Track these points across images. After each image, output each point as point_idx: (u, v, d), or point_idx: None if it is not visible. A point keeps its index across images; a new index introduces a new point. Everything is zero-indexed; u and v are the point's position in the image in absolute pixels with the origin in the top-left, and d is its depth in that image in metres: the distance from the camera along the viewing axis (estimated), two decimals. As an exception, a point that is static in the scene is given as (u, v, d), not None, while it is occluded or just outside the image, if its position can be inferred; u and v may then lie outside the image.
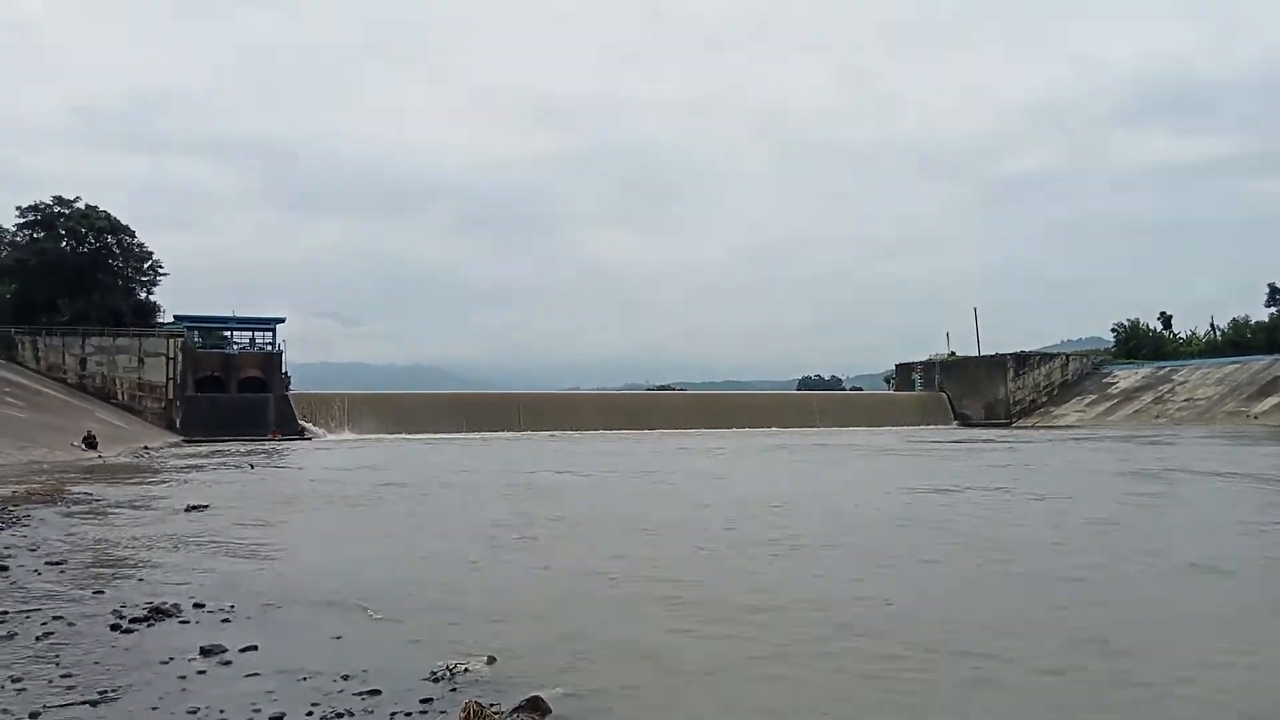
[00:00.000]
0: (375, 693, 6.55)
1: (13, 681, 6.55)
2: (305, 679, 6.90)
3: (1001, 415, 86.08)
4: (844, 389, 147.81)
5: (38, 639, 7.90)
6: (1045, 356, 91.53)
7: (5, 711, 5.95)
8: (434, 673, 7.03)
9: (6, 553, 12.44)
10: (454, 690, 6.66)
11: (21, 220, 67.51)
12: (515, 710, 6.08)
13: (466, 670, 7.12)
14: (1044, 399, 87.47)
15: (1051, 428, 75.63)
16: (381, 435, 65.54)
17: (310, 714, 6.03)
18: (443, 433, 66.58)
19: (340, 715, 6.05)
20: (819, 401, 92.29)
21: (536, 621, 8.91)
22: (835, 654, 7.73)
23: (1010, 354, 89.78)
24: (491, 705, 5.99)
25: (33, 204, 67.38)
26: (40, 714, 5.90)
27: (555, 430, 70.53)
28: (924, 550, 12.96)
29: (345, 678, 6.94)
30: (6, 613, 8.78)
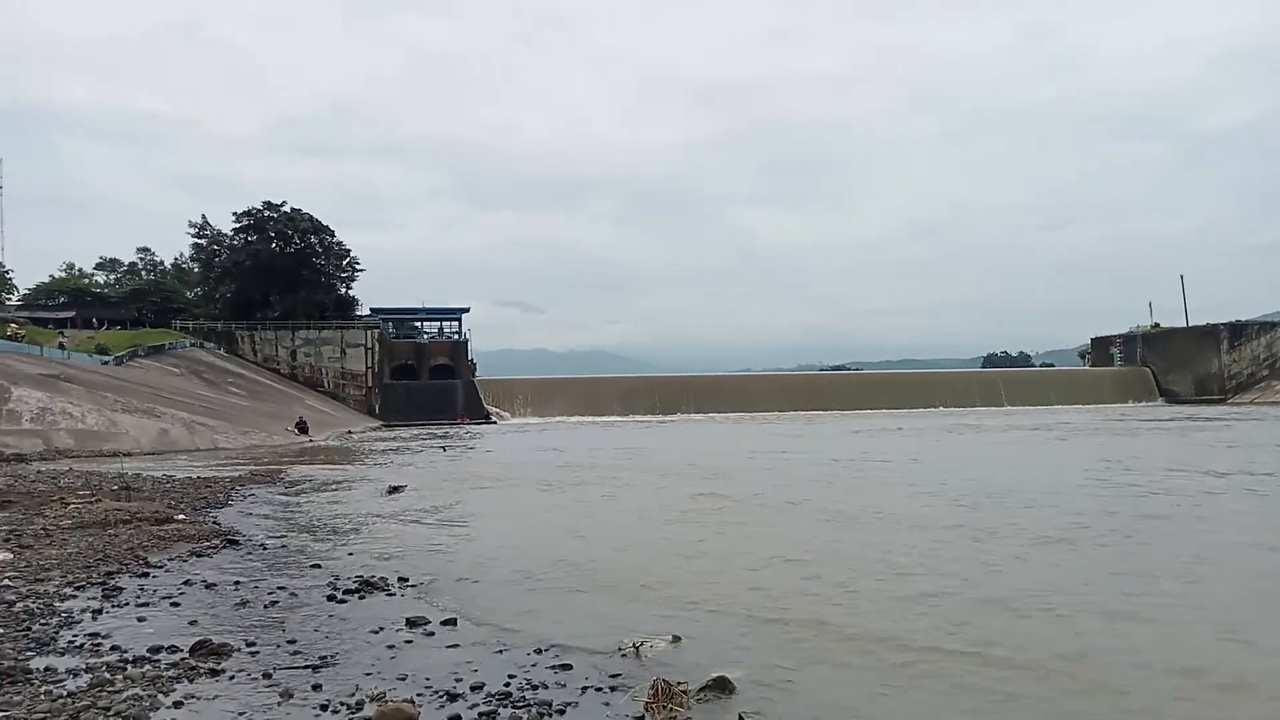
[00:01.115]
0: (567, 667, 6.78)
1: (247, 645, 7.22)
2: (501, 651, 7.24)
3: (1214, 390, 78.89)
4: (1033, 365, 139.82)
5: (265, 607, 8.67)
6: (1265, 325, 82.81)
7: (242, 670, 6.57)
8: (621, 649, 7.20)
9: (236, 528, 13.74)
10: (642, 667, 6.80)
11: (237, 225, 73.95)
12: (702, 689, 6.13)
13: (652, 647, 7.25)
14: (1264, 372, 79.39)
15: (1276, 404, 68.71)
16: (562, 418, 67.71)
17: (507, 685, 6.31)
18: (620, 416, 68.04)
19: (535, 687, 6.30)
20: (1006, 379, 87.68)
21: (722, 603, 8.94)
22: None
23: (1224, 324, 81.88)
24: (679, 683, 6.07)
25: (246, 210, 73.63)
26: (271, 674, 6.47)
27: (729, 413, 70.59)
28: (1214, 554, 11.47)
29: (538, 651, 7.22)
30: (239, 582, 9.69)
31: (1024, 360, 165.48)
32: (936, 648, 7.28)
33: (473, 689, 6.20)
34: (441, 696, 6.06)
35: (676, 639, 7.52)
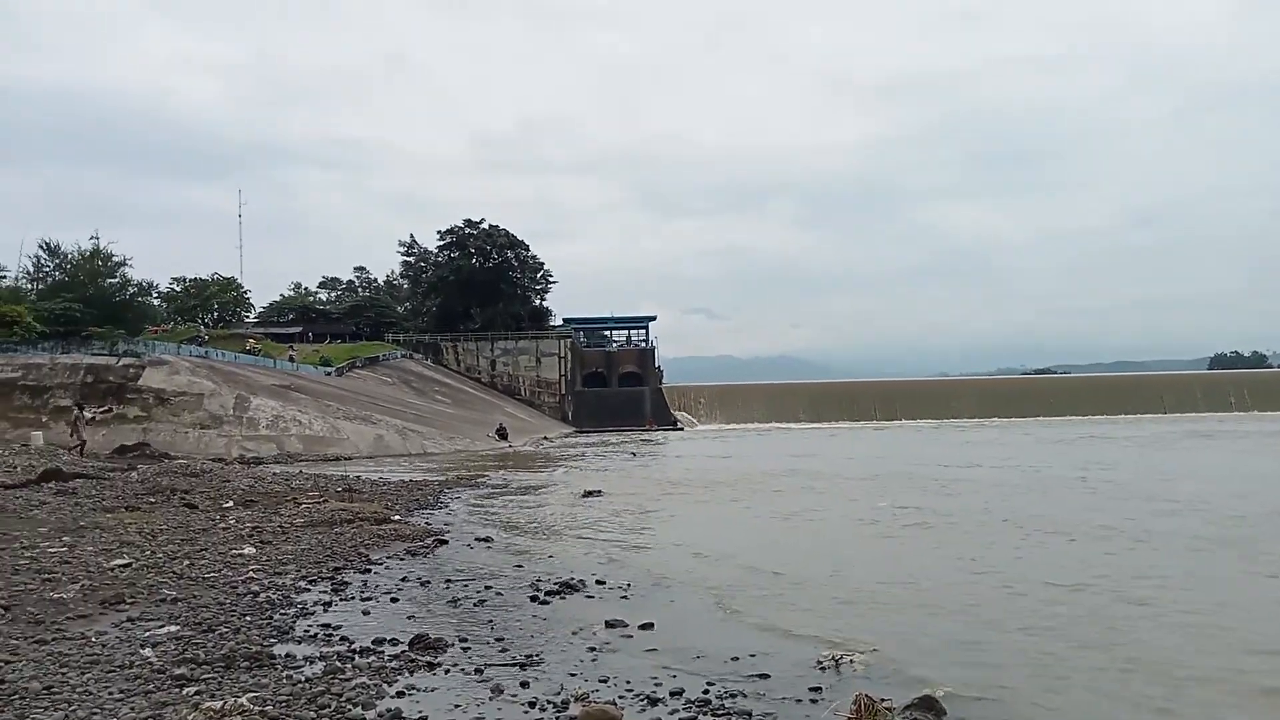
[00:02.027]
0: (764, 676, 6.73)
1: (460, 641, 7.62)
2: (698, 658, 7.28)
3: None
4: (1270, 367, 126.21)
5: (474, 605, 9.14)
6: None
7: (456, 665, 6.94)
8: (820, 661, 7.07)
9: (445, 528, 14.56)
10: (841, 680, 6.65)
11: (441, 243, 78.65)
12: (907, 708, 5.91)
13: (852, 661, 7.08)
14: None
15: None
16: (749, 425, 67.46)
17: (706, 692, 6.33)
18: (808, 422, 66.97)
19: (733, 696, 6.29)
20: (1237, 383, 79.55)
21: (924, 619, 8.61)
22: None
23: None
24: (883, 700, 5.88)
25: (449, 228, 78.16)
26: (483, 670, 6.80)
27: (923, 420, 67.93)
28: None
29: (734, 659, 7.21)
30: (450, 581, 10.26)
31: (1258, 361, 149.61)
32: (1176, 682, 6.69)
33: (672, 694, 6.27)
34: (642, 700, 6.16)
35: (878, 652, 7.31)
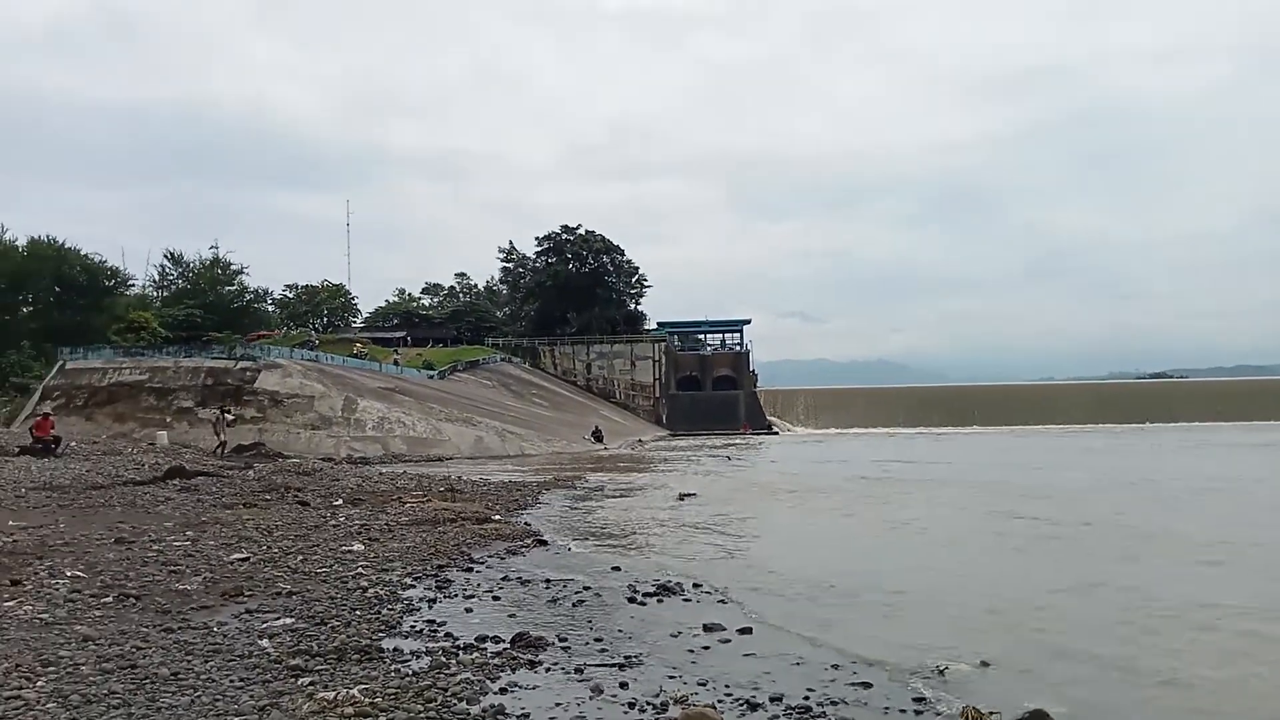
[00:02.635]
0: (866, 685, 6.61)
1: (559, 640, 7.72)
2: (798, 663, 7.20)
3: None
4: None
5: (573, 605, 9.24)
6: None
7: (556, 664, 7.04)
8: (924, 671, 6.91)
9: (543, 529, 14.77)
10: (946, 691, 6.48)
11: (539, 249, 79.99)
12: (1017, 721, 5.72)
13: (959, 673, 6.89)
14: None
15: None
16: (845, 430, 66.40)
17: (806, 698, 6.26)
18: (907, 427, 65.44)
19: (835, 703, 6.20)
20: (1379, 387, 74.25)
21: (1034, 631, 8.33)
22: None
23: None
24: (991, 713, 5.71)
25: (546, 234, 79.43)
26: (582, 670, 6.88)
27: (1027, 425, 65.55)
28: None
29: (835, 666, 7.11)
30: (549, 580, 10.41)
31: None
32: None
33: (772, 699, 6.22)
34: (741, 705, 6.13)
35: (984, 664, 7.10)
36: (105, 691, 5.83)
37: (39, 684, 5.91)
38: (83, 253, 53.31)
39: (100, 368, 38.52)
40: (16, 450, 23.04)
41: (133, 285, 59.60)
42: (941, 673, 6.86)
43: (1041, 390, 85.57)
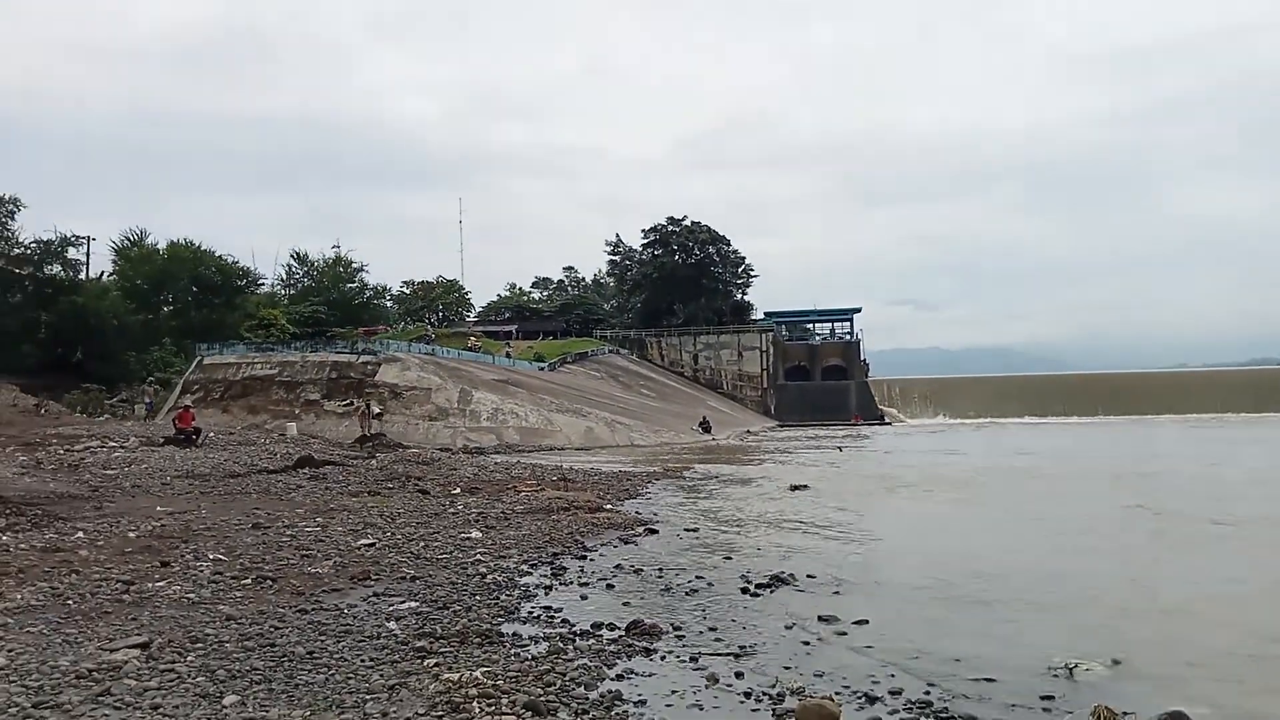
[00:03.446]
0: (989, 680, 6.43)
1: (674, 628, 7.78)
2: (916, 658, 7.05)
3: None
4: None
5: (686, 594, 9.29)
6: None
7: (671, 652, 7.09)
8: (1051, 668, 6.67)
9: (654, 518, 14.88)
10: (1076, 690, 6.24)
11: (645, 241, 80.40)
12: (1154, 724, 5.47)
13: (1088, 670, 6.63)
14: None
15: None
16: (962, 420, 64.44)
17: (927, 693, 6.13)
18: (1028, 417, 63.00)
19: (956, 698, 6.06)
20: None
21: (1170, 631, 7.94)
22: None
23: None
24: (1125, 714, 5.48)
25: (653, 226, 79.78)
26: (697, 658, 6.91)
27: (1157, 414, 62.19)
28: None
29: (956, 660, 6.93)
30: (662, 569, 10.49)
31: None
32: None
33: (891, 693, 6.11)
34: (860, 697, 6.05)
35: (1116, 663, 6.81)
36: (248, 667, 6.18)
37: (189, 659, 6.32)
38: (217, 254, 56.42)
39: (234, 363, 40.73)
40: (161, 440, 24.58)
41: (262, 284, 62.76)
42: (1070, 670, 6.61)
43: (1174, 378, 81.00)
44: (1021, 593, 9.52)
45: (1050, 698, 6.07)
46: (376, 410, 32.49)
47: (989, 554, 11.94)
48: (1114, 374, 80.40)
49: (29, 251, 45.30)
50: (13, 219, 44.28)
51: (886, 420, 66.62)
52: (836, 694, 6.08)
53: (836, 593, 9.41)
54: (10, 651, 6.28)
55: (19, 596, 7.90)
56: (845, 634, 7.73)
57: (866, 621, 8.02)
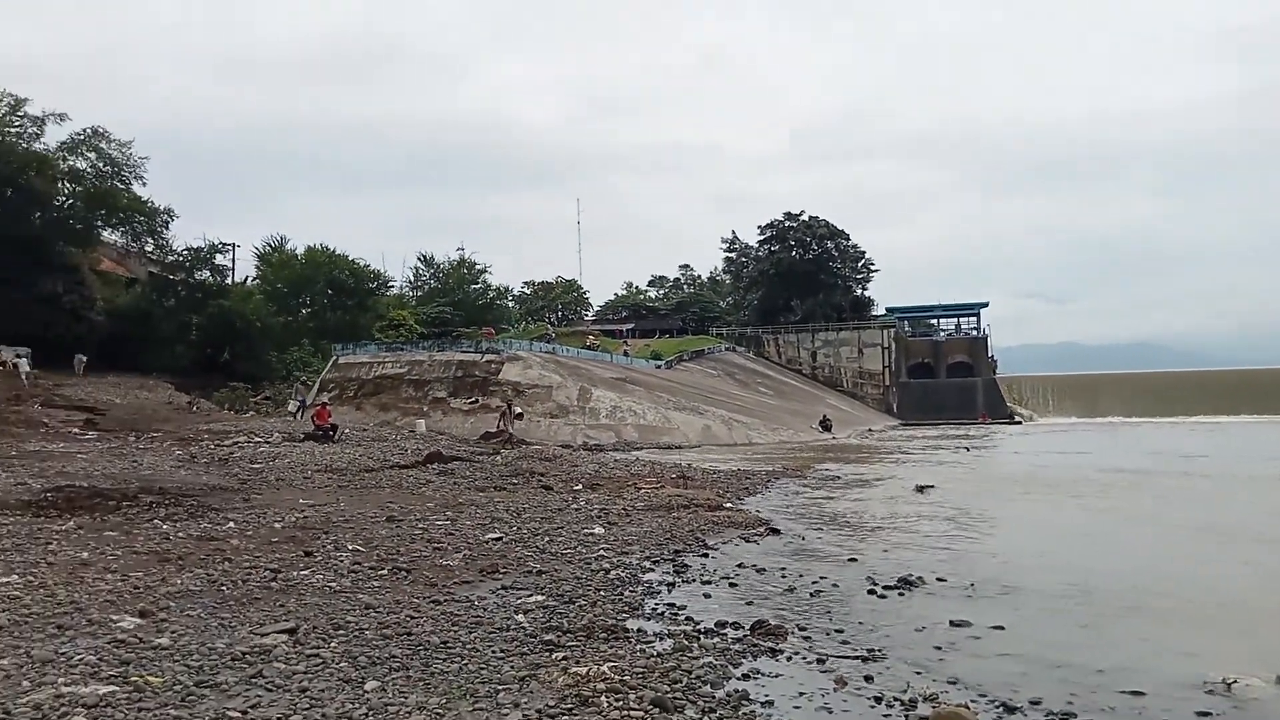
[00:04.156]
0: (1138, 693, 6.09)
1: (799, 629, 7.69)
2: (1056, 667, 6.75)
3: None
4: None
5: (810, 595, 9.16)
6: None
7: (797, 653, 7.00)
8: (1207, 684, 6.27)
9: (775, 517, 14.74)
10: (1235, 708, 5.86)
11: (762, 237, 79.87)
12: (1327, 747, 5.07)
13: (1248, 686, 6.20)
14: None
15: None
16: (1094, 419, 61.40)
17: (1070, 703, 5.86)
18: (1170, 416, 59.47)
19: (1102, 710, 5.77)
20: None
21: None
22: None
23: None
24: (1294, 735, 5.10)
25: (769, 222, 79.22)
26: (824, 660, 6.80)
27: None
28: None
29: (1099, 672, 6.60)
30: (785, 569, 10.38)
31: None
32: None
33: (1031, 703, 5.87)
34: (997, 706, 5.83)
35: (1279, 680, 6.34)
36: (386, 655, 6.43)
37: (332, 645, 6.63)
38: (350, 258, 59.01)
39: (367, 362, 42.52)
40: (301, 436, 25.90)
41: (392, 286, 65.34)
42: (1228, 686, 6.20)
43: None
44: (1169, 601, 9.00)
45: (1207, 715, 5.71)
46: (518, 410, 33.31)
47: (1132, 560, 11.34)
48: (1268, 369, 74.88)
49: (181, 259, 48.41)
50: (167, 229, 47.37)
51: (1016, 419, 64.20)
52: (972, 702, 5.88)
53: (968, 597, 9.10)
54: (174, 632, 6.74)
55: (179, 581, 8.45)
56: (979, 639, 7.47)
57: (1002, 628, 7.73)
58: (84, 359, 40.85)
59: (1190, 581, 10.00)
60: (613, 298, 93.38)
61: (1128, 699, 6.01)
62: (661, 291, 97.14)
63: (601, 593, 8.71)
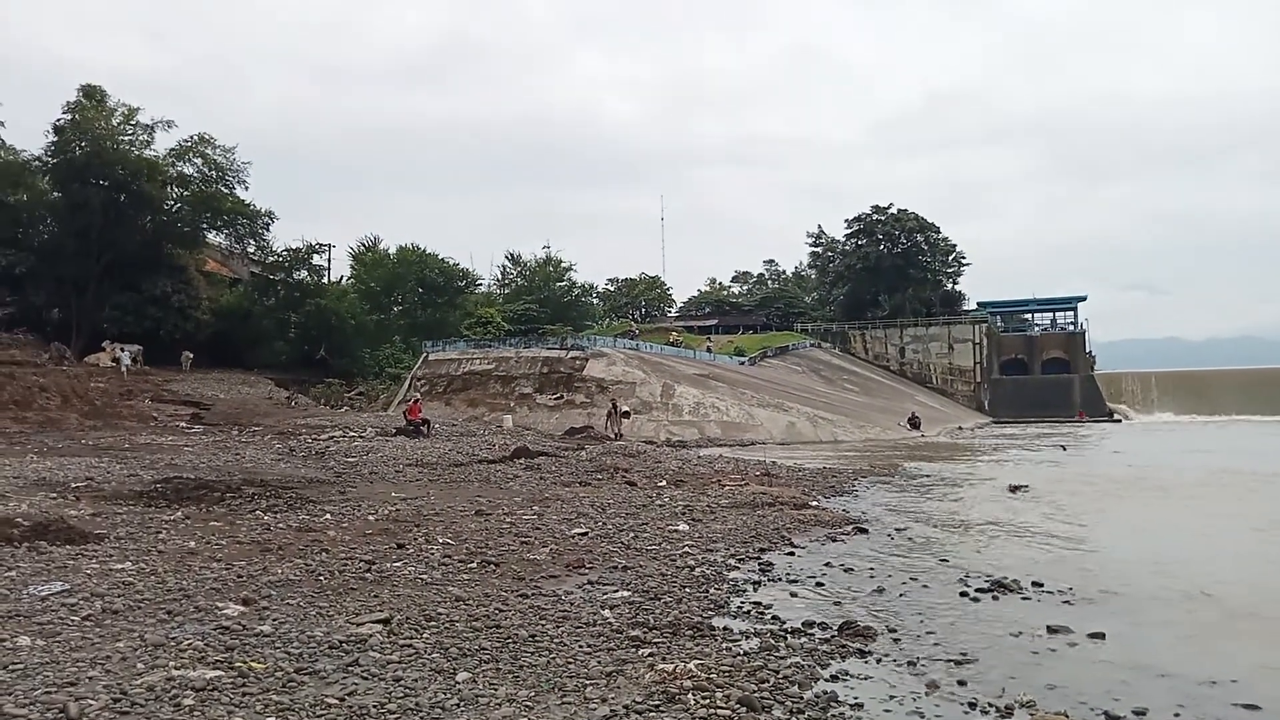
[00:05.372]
0: (1252, 708, 5.80)
1: (888, 630, 7.55)
2: (1161, 676, 6.48)
3: None
4: None
5: (900, 595, 8.98)
6: None
7: (887, 655, 6.88)
8: (1329, 700, 5.93)
9: (862, 517, 14.49)
10: (1361, 726, 5.52)
11: (848, 231, 78.64)
12: None
13: (1376, 705, 5.84)
14: None
15: None
16: (1203, 417, 58.62)
17: (1178, 715, 5.62)
18: (1274, 415, 56.32)
19: (1212, 725, 5.51)
20: None
21: None
22: None
23: None
24: None
25: (856, 215, 77.92)
26: (915, 663, 6.67)
27: None
28: None
29: (1210, 683, 6.32)
30: (873, 569, 10.21)
31: None
32: None
33: (1135, 713, 5.64)
34: (1099, 715, 5.63)
35: None
36: (476, 647, 6.56)
37: (425, 635, 6.80)
38: (440, 257, 60.32)
39: (455, 358, 43.40)
40: (394, 431, 26.60)
41: (480, 284, 66.54)
42: (1353, 703, 5.85)
43: None
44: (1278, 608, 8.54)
45: (1330, 732, 5.41)
46: (625, 409, 33.48)
47: (1243, 568, 10.78)
48: (1396, 366, 70.41)
49: (281, 259, 50.25)
50: (268, 230, 49.23)
51: (1116, 417, 61.80)
52: (1071, 710, 5.69)
53: (1066, 602, 8.79)
54: (275, 620, 7.00)
55: (279, 571, 8.78)
56: (1077, 645, 7.22)
57: (1103, 635, 7.44)
58: (190, 356, 42.80)
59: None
60: (696, 294, 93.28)
61: (1240, 712, 5.74)
62: (745, 287, 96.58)
63: (687, 590, 8.71)
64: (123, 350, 39.24)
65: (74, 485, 14.01)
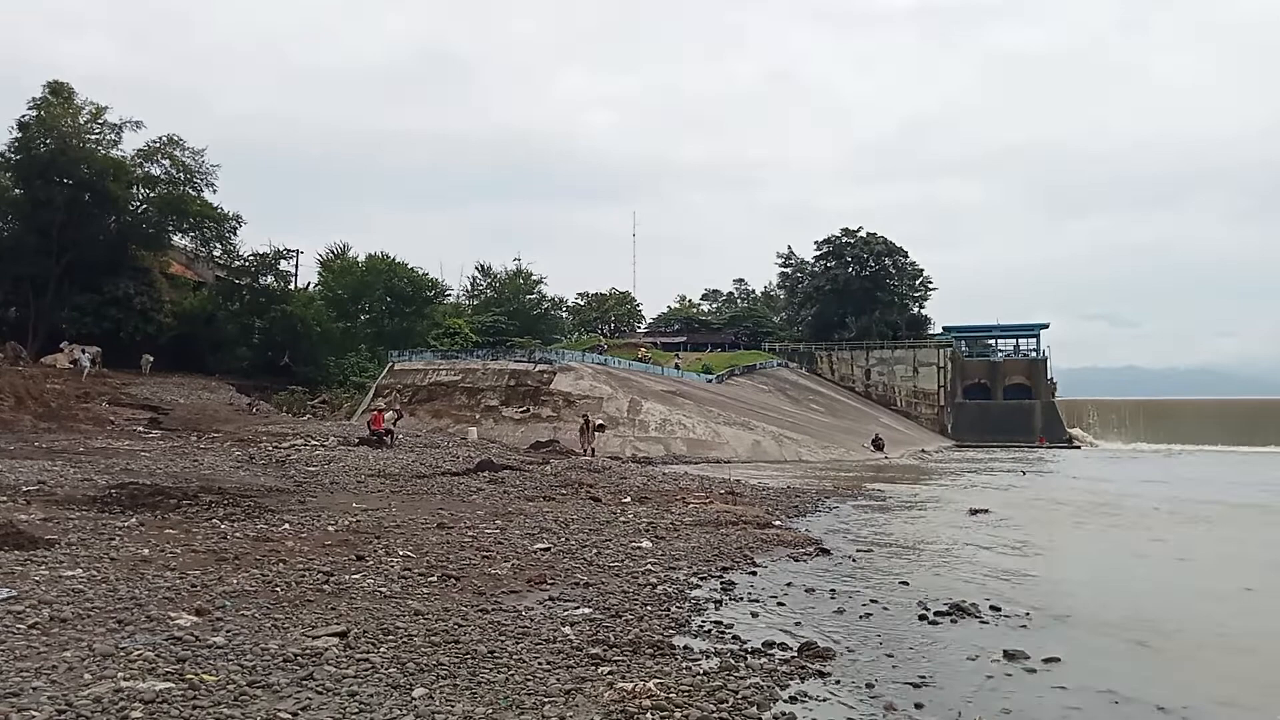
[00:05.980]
0: (1202, 736, 5.89)
1: (848, 651, 7.58)
2: (1115, 703, 6.57)
3: None
4: None
5: (860, 617, 9.01)
6: None
7: (846, 676, 6.89)
8: (1275, 728, 6.04)
9: (825, 537, 14.56)
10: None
11: (818, 253, 79.26)
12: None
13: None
14: None
15: None
16: (1156, 445, 59.64)
17: (1129, 743, 5.69)
18: (1241, 445, 57.49)
19: (1163, 752, 5.58)
20: None
21: None
22: None
23: None
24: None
25: (826, 237, 78.55)
26: (873, 685, 6.69)
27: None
28: None
29: (1161, 709, 6.41)
30: (834, 590, 10.25)
31: None
32: None
33: (1087, 740, 5.71)
34: (1051, 741, 5.68)
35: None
36: (435, 662, 6.49)
37: (382, 650, 6.71)
38: (409, 266, 59.98)
39: (422, 368, 43.09)
40: (357, 441, 26.32)
41: (449, 295, 66.23)
42: (1298, 731, 5.96)
43: None
44: (1230, 640, 8.69)
45: (1275, 760, 5.50)
46: (599, 422, 33.26)
47: (1192, 596, 10.98)
48: (1345, 400, 72.16)
49: (247, 264, 49.63)
50: (235, 234, 48.64)
51: (1075, 444, 62.72)
52: (1025, 736, 5.74)
53: (1023, 626, 8.89)
54: (229, 631, 6.88)
55: (235, 581, 8.63)
56: (1034, 671, 7.28)
57: (1058, 660, 7.52)
58: (151, 359, 42.07)
59: (1258, 617, 9.64)
60: (666, 310, 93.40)
61: (1190, 740, 5.81)
62: (715, 305, 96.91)
63: (648, 608, 8.69)
64: (82, 352, 38.54)
65: (25, 489, 13.70)
